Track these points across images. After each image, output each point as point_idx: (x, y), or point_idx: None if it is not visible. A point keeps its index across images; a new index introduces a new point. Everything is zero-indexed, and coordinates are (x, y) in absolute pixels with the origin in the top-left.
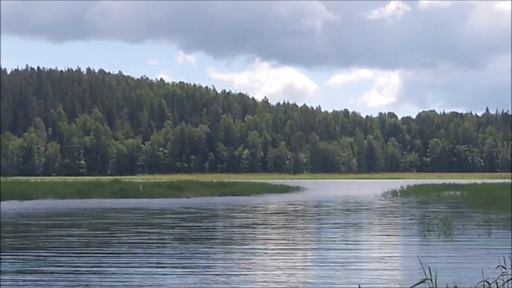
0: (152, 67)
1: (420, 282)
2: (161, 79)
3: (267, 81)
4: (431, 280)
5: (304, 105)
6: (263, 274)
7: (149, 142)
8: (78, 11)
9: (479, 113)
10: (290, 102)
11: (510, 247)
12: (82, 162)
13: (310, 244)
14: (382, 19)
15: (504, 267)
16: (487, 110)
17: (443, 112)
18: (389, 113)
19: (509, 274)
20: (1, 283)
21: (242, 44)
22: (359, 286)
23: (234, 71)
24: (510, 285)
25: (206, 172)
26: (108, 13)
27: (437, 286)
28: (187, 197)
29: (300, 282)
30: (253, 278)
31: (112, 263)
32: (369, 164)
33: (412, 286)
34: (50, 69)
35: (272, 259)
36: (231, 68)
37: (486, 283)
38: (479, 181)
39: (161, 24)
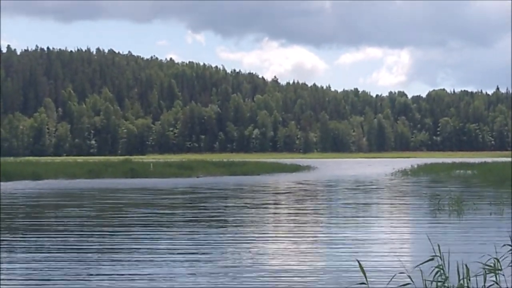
0: (161, 47)
1: (429, 260)
2: (171, 59)
3: (276, 61)
4: (440, 257)
5: (314, 84)
6: (272, 254)
7: (159, 122)
8: None
9: (490, 92)
10: (300, 82)
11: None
12: (93, 142)
13: (319, 223)
14: None
15: (510, 245)
16: (498, 88)
17: (453, 91)
18: (399, 92)
19: None
20: (4, 264)
21: (250, 23)
22: (358, 262)
23: (243, 51)
24: None
25: (216, 152)
26: None
27: (448, 264)
28: (198, 177)
29: (309, 260)
30: (261, 258)
31: (121, 245)
32: (379, 143)
33: (421, 264)
34: (60, 49)
35: (282, 238)
36: (239, 47)
37: (496, 261)
38: (489, 160)
39: (169, 3)
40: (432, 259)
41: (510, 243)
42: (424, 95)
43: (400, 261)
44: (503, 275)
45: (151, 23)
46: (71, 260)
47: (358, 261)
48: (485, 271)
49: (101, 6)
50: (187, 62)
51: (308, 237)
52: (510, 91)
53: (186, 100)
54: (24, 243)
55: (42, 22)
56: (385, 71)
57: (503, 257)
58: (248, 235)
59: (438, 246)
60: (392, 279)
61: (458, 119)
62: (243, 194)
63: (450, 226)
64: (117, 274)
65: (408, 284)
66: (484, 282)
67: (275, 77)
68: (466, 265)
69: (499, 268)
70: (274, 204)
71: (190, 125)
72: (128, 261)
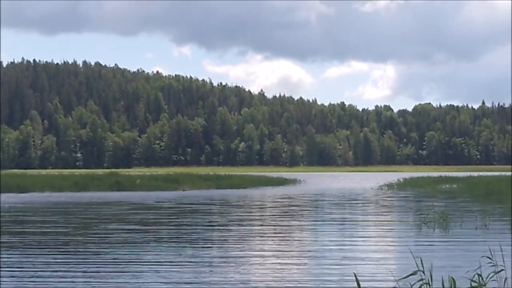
0: (148, 60)
1: (411, 274)
2: (157, 72)
3: (262, 74)
4: (423, 272)
5: (300, 98)
6: (257, 269)
7: (146, 135)
8: (70, 3)
9: (475, 106)
10: (286, 95)
11: (510, 240)
12: (79, 155)
13: (305, 238)
14: (376, 12)
15: (490, 258)
16: (483, 102)
17: (439, 105)
18: (385, 106)
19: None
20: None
21: (235, 36)
22: (354, 274)
23: (229, 64)
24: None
25: (203, 165)
26: (100, 6)
27: (432, 278)
28: (184, 190)
29: (294, 276)
30: (246, 273)
31: (104, 262)
32: (365, 157)
33: (404, 277)
34: (46, 62)
35: (268, 254)
36: (224, 60)
37: (478, 276)
38: (475, 174)
39: (154, 16)
40: (414, 274)
41: (490, 256)
42: (409, 109)
43: (385, 275)
44: None
45: (137, 36)
46: (56, 277)
47: (355, 274)
48: (471, 284)
49: (86, 19)
50: (174, 75)
51: (293, 252)
52: (496, 106)
53: (173, 113)
54: (7, 259)
55: (27, 35)
56: (371, 85)
57: (487, 269)
58: (234, 252)
59: (421, 260)
60: None
61: (444, 133)
62: (228, 208)
63: (435, 240)
64: None
65: None
66: None
67: (261, 90)
68: (453, 278)
69: (483, 283)
70: (260, 218)
71: (177, 138)
72: (112, 281)
